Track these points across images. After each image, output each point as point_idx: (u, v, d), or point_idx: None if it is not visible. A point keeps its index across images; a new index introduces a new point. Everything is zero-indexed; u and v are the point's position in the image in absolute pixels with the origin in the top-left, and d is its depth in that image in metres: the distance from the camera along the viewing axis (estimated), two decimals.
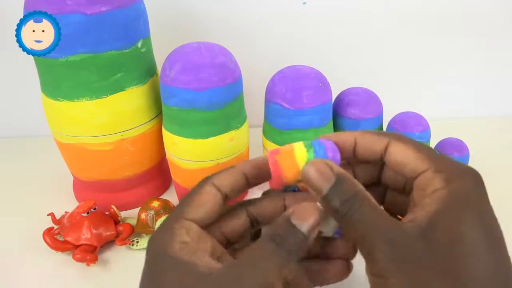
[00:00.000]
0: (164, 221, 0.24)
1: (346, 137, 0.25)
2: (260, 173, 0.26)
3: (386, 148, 0.24)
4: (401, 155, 0.23)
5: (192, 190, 0.25)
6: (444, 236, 0.19)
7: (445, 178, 0.21)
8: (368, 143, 0.24)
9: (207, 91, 0.39)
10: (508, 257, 0.20)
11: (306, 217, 0.22)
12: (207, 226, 0.25)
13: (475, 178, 0.21)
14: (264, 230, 0.23)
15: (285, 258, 0.21)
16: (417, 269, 0.19)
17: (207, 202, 0.24)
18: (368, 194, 0.22)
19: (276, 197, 0.28)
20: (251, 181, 0.26)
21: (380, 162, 0.25)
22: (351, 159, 0.26)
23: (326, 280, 0.27)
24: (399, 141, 0.24)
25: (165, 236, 0.23)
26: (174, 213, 0.24)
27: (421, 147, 0.23)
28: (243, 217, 0.27)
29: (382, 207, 0.22)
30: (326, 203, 0.22)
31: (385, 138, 0.24)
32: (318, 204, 0.23)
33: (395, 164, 0.23)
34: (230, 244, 0.27)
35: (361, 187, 0.22)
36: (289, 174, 0.24)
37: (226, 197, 0.25)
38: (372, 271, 0.21)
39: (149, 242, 0.24)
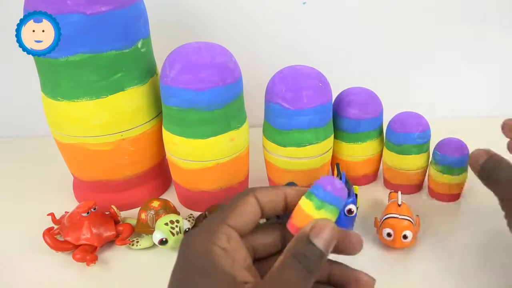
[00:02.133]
0: (207, 221, 0.25)
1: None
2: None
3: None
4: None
5: (236, 197, 0.25)
6: None
7: None
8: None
9: (207, 91, 0.39)
10: None
11: (328, 240, 0.22)
12: (244, 236, 0.25)
13: None
14: (286, 248, 0.23)
15: (308, 277, 0.22)
16: None
17: (249, 213, 0.25)
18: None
19: None
20: (290, 206, 0.26)
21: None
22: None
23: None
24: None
25: (206, 237, 0.23)
26: (217, 216, 0.24)
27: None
28: (276, 233, 0.27)
29: None
30: (482, 173, 0.33)
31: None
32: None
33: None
34: (256, 259, 0.27)
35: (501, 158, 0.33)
36: (304, 224, 0.25)
37: (262, 213, 0.26)
38: None
39: (188, 240, 0.24)
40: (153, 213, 0.43)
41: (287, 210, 0.27)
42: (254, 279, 0.23)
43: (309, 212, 0.24)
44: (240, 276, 0.22)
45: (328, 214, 0.24)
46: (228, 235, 0.23)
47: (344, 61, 0.63)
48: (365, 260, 0.41)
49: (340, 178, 0.42)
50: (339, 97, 0.48)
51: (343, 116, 0.47)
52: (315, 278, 0.22)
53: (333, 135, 0.47)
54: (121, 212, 0.46)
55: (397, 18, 0.61)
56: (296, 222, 0.25)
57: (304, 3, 0.59)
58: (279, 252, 0.27)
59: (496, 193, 0.31)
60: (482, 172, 0.33)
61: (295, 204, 0.26)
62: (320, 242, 0.22)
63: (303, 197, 0.25)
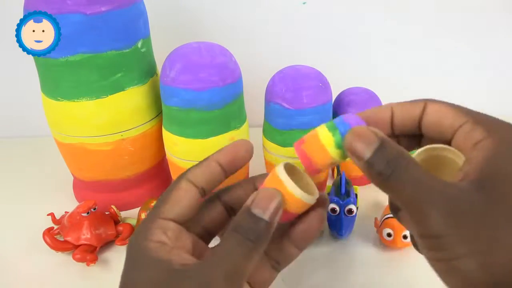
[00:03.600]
0: (143, 221, 0.25)
1: (381, 108, 0.24)
2: (235, 159, 0.26)
3: (423, 110, 0.23)
4: (438, 113, 0.22)
5: (168, 187, 0.25)
6: (504, 182, 0.18)
7: (486, 129, 0.20)
8: (405, 110, 0.23)
9: (207, 91, 0.39)
10: None
11: (266, 205, 0.22)
12: (186, 222, 0.25)
13: None
14: (230, 223, 0.23)
15: (250, 247, 0.21)
16: (479, 222, 0.18)
17: (183, 199, 0.24)
18: (413, 158, 0.21)
19: (246, 182, 0.28)
20: (228, 169, 0.26)
21: (418, 132, 0.24)
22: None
23: (308, 238, 0.26)
24: (435, 101, 0.23)
25: (141, 236, 0.23)
26: (151, 212, 0.24)
27: (459, 106, 0.22)
28: (218, 207, 0.27)
29: None
30: (369, 167, 0.20)
31: (421, 102, 0.23)
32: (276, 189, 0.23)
33: (433, 124, 0.22)
34: (213, 237, 0.27)
35: (406, 150, 0.21)
36: (320, 161, 0.24)
37: (203, 191, 0.25)
38: (425, 232, 0.19)
39: (130, 239, 0.24)
40: None
41: (228, 175, 0.26)
42: (196, 260, 0.22)
43: (327, 146, 0.23)
44: (178, 262, 0.22)
45: (341, 158, 0.23)
46: (163, 228, 0.23)
47: (344, 61, 0.63)
48: (365, 260, 0.41)
49: (340, 179, 0.42)
50: (339, 97, 0.48)
51: None
52: (261, 248, 0.22)
53: None
54: (121, 212, 0.46)
55: (397, 18, 0.61)
56: (308, 149, 0.24)
57: (304, 3, 0.59)
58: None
59: (396, 198, 0.20)
60: (371, 169, 0.20)
61: (232, 165, 0.25)
62: (261, 211, 0.22)
63: (324, 126, 0.23)
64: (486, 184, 0.18)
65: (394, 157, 0.20)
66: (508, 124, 0.21)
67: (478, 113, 0.22)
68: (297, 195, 0.23)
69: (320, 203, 0.25)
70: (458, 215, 0.18)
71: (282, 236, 0.25)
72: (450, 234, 0.18)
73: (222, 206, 0.27)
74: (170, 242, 0.23)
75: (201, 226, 0.26)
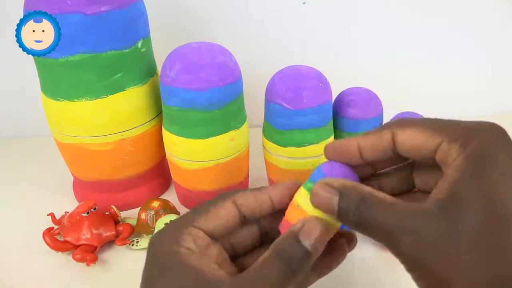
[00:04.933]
0: (173, 223, 0.24)
1: (347, 143, 0.24)
2: (288, 198, 0.25)
3: (392, 140, 0.22)
4: (410, 141, 0.22)
5: (211, 200, 0.25)
6: (469, 205, 0.18)
7: (461, 144, 0.20)
8: (372, 143, 0.23)
9: (207, 91, 0.39)
10: None
11: (314, 236, 0.22)
12: (215, 238, 0.24)
13: (493, 132, 0.20)
14: (272, 245, 0.22)
15: (289, 276, 0.21)
16: (450, 249, 0.18)
17: (222, 218, 0.24)
18: (374, 191, 0.21)
19: (259, 192, 0.26)
20: (277, 206, 0.25)
21: (394, 155, 0.23)
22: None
23: (330, 269, 0.26)
24: (402, 127, 0.22)
25: (171, 239, 0.23)
26: (185, 217, 0.24)
27: (428, 123, 0.22)
28: (253, 229, 0.26)
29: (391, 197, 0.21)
30: (343, 219, 0.21)
31: (387, 131, 0.22)
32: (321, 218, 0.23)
33: (409, 151, 0.22)
34: (236, 256, 0.27)
35: (366, 188, 0.21)
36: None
37: (244, 218, 0.25)
38: (407, 267, 0.20)
39: (153, 242, 0.24)
40: (153, 213, 0.43)
41: (276, 210, 0.25)
42: (227, 275, 0.22)
43: (303, 206, 0.23)
44: (210, 272, 0.21)
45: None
46: (194, 235, 0.23)
47: (344, 61, 0.63)
48: (365, 260, 0.41)
49: None
50: (339, 97, 0.48)
51: (343, 116, 0.47)
52: (299, 278, 0.22)
53: (333, 135, 0.47)
54: (121, 212, 0.46)
55: (398, 18, 0.61)
56: (288, 218, 0.23)
57: (304, 3, 0.59)
58: (261, 246, 0.27)
59: (375, 239, 0.21)
60: (344, 221, 0.21)
61: (285, 204, 0.25)
62: (308, 241, 0.21)
63: (301, 188, 0.24)
64: (448, 206, 0.19)
65: (357, 204, 0.20)
66: (484, 127, 0.20)
67: (452, 125, 0.21)
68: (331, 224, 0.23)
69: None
70: (428, 246, 0.19)
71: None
72: (427, 266, 0.19)
73: (258, 229, 0.27)
74: (199, 250, 0.22)
75: (228, 242, 0.26)
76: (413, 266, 0.19)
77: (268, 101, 0.44)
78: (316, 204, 0.22)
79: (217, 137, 0.42)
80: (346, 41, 0.62)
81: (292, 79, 0.42)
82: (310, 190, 0.23)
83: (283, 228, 0.24)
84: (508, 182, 0.19)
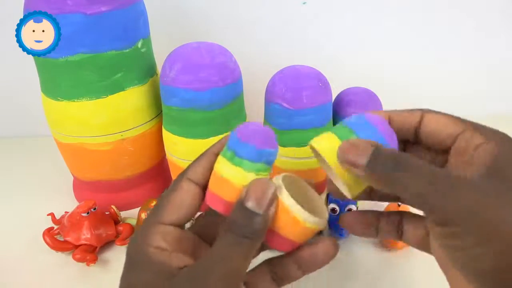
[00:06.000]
0: (143, 223, 0.24)
1: (380, 114, 0.25)
2: None
3: (420, 120, 0.24)
4: (435, 123, 0.23)
5: (169, 188, 0.24)
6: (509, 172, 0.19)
7: (485, 135, 0.21)
8: (403, 118, 0.24)
9: (207, 91, 0.39)
10: None
11: (259, 197, 0.21)
12: (187, 221, 0.24)
13: (510, 137, 0.22)
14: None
15: (246, 245, 0.21)
16: (493, 210, 0.18)
17: (185, 202, 0.23)
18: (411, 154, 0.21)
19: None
20: None
21: (413, 139, 0.25)
22: None
23: (315, 264, 0.25)
24: (431, 112, 0.24)
25: (141, 240, 0.23)
26: (152, 215, 0.24)
27: (454, 115, 0.23)
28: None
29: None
30: (371, 169, 0.20)
31: (418, 112, 0.24)
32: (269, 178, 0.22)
33: (431, 134, 0.23)
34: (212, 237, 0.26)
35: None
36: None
37: (204, 187, 0.24)
38: (437, 220, 0.19)
39: (129, 244, 0.24)
40: None
41: None
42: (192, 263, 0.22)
43: (219, 171, 0.21)
44: (176, 264, 0.22)
45: (245, 173, 0.21)
46: (163, 233, 0.23)
47: (344, 61, 0.63)
48: (365, 260, 0.41)
49: None
50: (339, 97, 0.48)
51: (343, 116, 0.47)
52: (257, 244, 0.21)
53: None
54: (121, 212, 0.46)
55: (398, 18, 0.61)
56: (211, 187, 0.22)
57: (304, 3, 0.59)
58: None
59: (404, 192, 0.20)
60: (373, 170, 0.20)
61: None
62: (251, 203, 0.21)
63: (220, 157, 0.22)
64: (495, 176, 0.19)
65: (392, 155, 0.20)
66: (502, 133, 0.22)
67: (473, 122, 0.23)
68: (296, 214, 0.21)
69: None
70: (472, 202, 0.18)
71: (288, 254, 0.24)
72: (463, 222, 0.18)
73: None
74: (170, 247, 0.22)
75: (201, 225, 0.26)
76: (445, 221, 0.19)
77: (268, 101, 0.44)
78: (343, 156, 0.21)
79: (217, 137, 0.42)
80: (346, 41, 0.62)
81: (292, 79, 0.42)
82: (230, 159, 0.21)
83: (212, 201, 0.23)
84: None
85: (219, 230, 0.22)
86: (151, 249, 0.22)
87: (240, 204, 0.21)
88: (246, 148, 0.21)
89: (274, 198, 0.21)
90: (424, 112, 0.24)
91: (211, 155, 0.24)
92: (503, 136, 0.21)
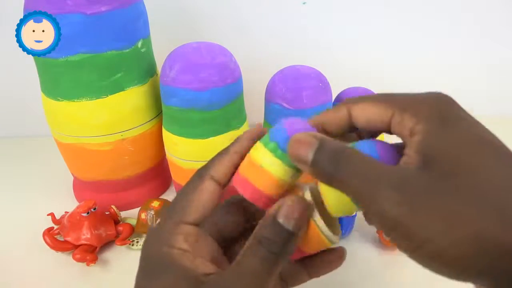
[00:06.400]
0: (162, 223, 0.23)
1: (313, 122, 0.24)
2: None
3: (348, 116, 0.23)
4: (364, 115, 0.22)
5: (190, 184, 0.24)
6: (442, 158, 0.18)
7: (413, 113, 0.20)
8: (331, 119, 0.23)
9: (207, 91, 0.39)
10: None
11: (292, 214, 0.21)
12: (204, 220, 0.24)
13: (440, 99, 0.20)
14: (253, 232, 0.22)
15: (274, 261, 0.21)
16: (432, 205, 0.17)
17: (208, 201, 0.23)
18: (356, 150, 0.20)
19: None
20: None
21: (352, 130, 0.23)
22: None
23: (324, 270, 0.26)
24: (356, 103, 0.22)
25: (163, 241, 0.22)
26: (171, 214, 0.23)
27: (378, 97, 0.22)
28: (237, 212, 0.26)
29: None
30: (315, 169, 0.20)
31: (343, 108, 0.23)
32: (305, 195, 0.23)
33: (364, 125, 0.22)
34: (230, 243, 0.26)
35: (348, 145, 0.20)
36: (265, 184, 0.22)
37: (224, 187, 0.24)
38: (386, 226, 0.18)
39: (146, 244, 0.23)
40: (153, 213, 0.43)
41: None
42: (219, 270, 0.22)
43: (267, 167, 0.21)
44: (202, 268, 0.21)
45: (285, 166, 0.22)
46: (185, 234, 0.22)
47: (344, 61, 0.63)
48: (365, 260, 0.41)
49: None
50: (339, 97, 0.48)
51: None
52: (284, 261, 0.21)
53: None
54: (121, 212, 0.46)
55: (398, 17, 0.61)
56: (249, 176, 0.22)
57: (304, 3, 0.59)
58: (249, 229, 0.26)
59: (347, 192, 0.20)
60: (316, 169, 0.20)
61: None
62: (286, 220, 0.21)
63: (260, 145, 0.22)
64: (428, 164, 0.18)
65: (335, 153, 0.20)
66: (430, 96, 0.21)
67: (400, 98, 0.21)
68: (324, 235, 0.22)
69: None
70: (410, 199, 0.18)
71: (300, 261, 0.25)
72: (406, 220, 0.17)
73: (242, 210, 0.26)
74: (192, 249, 0.22)
75: (215, 227, 0.25)
76: (393, 225, 0.18)
77: (268, 101, 0.44)
78: (290, 151, 0.21)
79: (217, 137, 0.42)
80: (346, 41, 0.62)
81: (292, 79, 0.42)
82: (273, 151, 0.22)
83: (241, 186, 0.23)
84: (470, 130, 0.19)
85: (248, 240, 0.22)
86: (175, 251, 0.22)
87: (273, 219, 0.21)
88: None
89: (306, 217, 0.22)
90: (348, 105, 0.22)
91: (234, 155, 0.24)
92: (431, 103, 0.20)
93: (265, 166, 0.22)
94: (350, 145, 0.21)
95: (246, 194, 0.23)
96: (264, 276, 0.20)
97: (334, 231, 0.22)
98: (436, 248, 0.17)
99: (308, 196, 0.23)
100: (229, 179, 0.24)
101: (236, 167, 0.24)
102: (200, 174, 0.24)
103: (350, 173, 0.19)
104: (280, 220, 0.21)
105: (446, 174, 0.18)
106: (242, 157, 0.24)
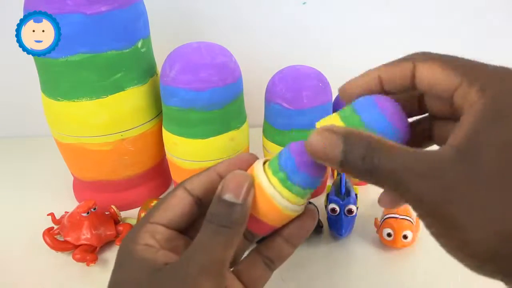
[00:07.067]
0: (134, 225, 0.25)
1: (369, 76, 0.24)
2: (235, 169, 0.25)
3: (413, 73, 0.21)
4: (429, 78, 0.20)
5: (167, 194, 0.25)
6: (486, 151, 0.17)
7: (481, 87, 0.18)
8: (393, 75, 0.22)
9: (207, 91, 0.39)
10: None
11: (235, 187, 0.21)
12: (180, 228, 0.25)
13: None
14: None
15: (226, 233, 0.21)
16: (468, 195, 0.17)
17: (176, 206, 0.24)
18: (381, 138, 0.19)
19: None
20: None
21: (416, 91, 0.22)
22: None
23: (301, 234, 0.25)
24: (424, 61, 0.21)
25: (130, 239, 0.24)
26: (145, 216, 0.25)
27: (451, 61, 0.20)
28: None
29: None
30: (347, 168, 0.19)
31: (409, 63, 0.21)
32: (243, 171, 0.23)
33: (427, 89, 0.21)
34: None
35: (372, 134, 0.19)
36: (271, 216, 0.23)
37: (199, 201, 0.25)
38: (421, 213, 0.18)
39: (121, 242, 0.25)
40: None
41: None
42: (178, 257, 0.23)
43: (279, 204, 0.22)
44: (163, 259, 0.22)
45: (294, 196, 0.22)
46: (151, 232, 0.23)
47: (344, 61, 0.63)
48: (365, 260, 0.41)
49: (340, 179, 0.42)
50: (339, 97, 0.48)
51: None
52: (238, 232, 0.21)
53: None
54: (121, 212, 0.46)
55: (398, 18, 0.61)
56: (264, 217, 0.23)
57: (304, 3, 0.59)
58: None
59: (387, 187, 0.19)
60: (350, 169, 0.20)
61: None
62: (228, 195, 0.21)
63: (270, 175, 0.22)
64: (465, 152, 0.17)
65: (365, 150, 0.19)
66: (507, 72, 0.19)
67: (473, 66, 0.20)
68: (282, 206, 0.22)
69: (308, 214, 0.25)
70: (440, 191, 0.17)
71: (273, 233, 0.25)
72: (440, 209, 0.17)
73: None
74: (158, 245, 0.23)
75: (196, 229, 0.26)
76: (428, 212, 0.18)
77: (268, 101, 0.44)
78: (313, 153, 0.20)
79: (217, 137, 0.42)
80: (346, 41, 0.62)
81: (292, 79, 0.42)
82: (282, 181, 0.22)
83: (260, 229, 0.24)
84: None
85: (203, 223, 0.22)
86: (139, 247, 0.23)
87: (218, 197, 0.22)
88: (302, 176, 0.22)
89: (251, 187, 0.22)
90: (415, 61, 0.21)
91: (213, 173, 0.25)
92: (506, 80, 0.19)
93: (271, 194, 0.22)
94: (350, 106, 0.21)
95: (258, 232, 0.24)
96: (218, 250, 0.21)
97: (297, 201, 0.22)
98: (466, 238, 0.17)
99: (258, 165, 0.23)
100: (203, 193, 0.25)
101: (213, 184, 0.24)
102: (178, 184, 0.26)
103: (385, 168, 0.18)
104: (225, 196, 0.21)
105: (485, 167, 0.17)
106: (218, 177, 0.25)
